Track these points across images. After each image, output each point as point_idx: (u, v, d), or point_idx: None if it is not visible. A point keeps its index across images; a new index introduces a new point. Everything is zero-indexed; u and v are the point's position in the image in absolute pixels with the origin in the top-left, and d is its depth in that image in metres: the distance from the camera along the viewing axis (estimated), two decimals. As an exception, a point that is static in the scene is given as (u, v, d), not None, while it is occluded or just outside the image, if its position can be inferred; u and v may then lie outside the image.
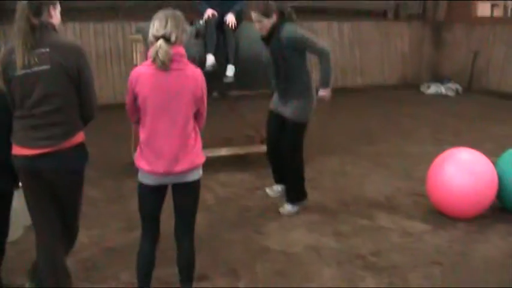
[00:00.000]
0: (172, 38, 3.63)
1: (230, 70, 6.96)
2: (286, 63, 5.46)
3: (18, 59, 3.45)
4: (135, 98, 3.69)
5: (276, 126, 5.79)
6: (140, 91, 3.64)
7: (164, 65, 3.58)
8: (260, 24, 5.40)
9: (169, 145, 3.66)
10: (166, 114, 3.65)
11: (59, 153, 3.59)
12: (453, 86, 13.87)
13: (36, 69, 3.47)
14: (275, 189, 6.21)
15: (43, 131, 3.55)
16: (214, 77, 6.68)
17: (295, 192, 5.86)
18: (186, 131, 3.70)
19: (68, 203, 3.82)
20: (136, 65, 6.77)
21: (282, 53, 5.43)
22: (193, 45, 6.83)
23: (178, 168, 3.68)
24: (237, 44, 7.02)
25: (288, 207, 5.83)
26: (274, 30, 5.41)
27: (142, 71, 3.67)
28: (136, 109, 3.73)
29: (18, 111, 3.58)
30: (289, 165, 5.78)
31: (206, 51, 6.91)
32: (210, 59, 6.85)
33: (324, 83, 5.58)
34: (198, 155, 3.80)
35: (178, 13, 3.75)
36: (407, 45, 15.03)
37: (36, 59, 3.47)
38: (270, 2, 5.45)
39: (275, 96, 5.83)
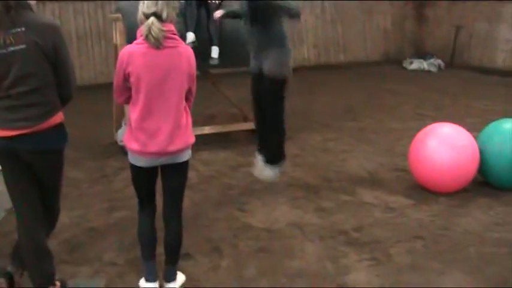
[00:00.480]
0: (164, 15, 3.55)
1: (215, 52, 6.93)
2: (263, 11, 5.32)
3: None
4: (125, 78, 3.62)
5: (256, 86, 5.66)
6: (133, 70, 3.56)
7: (158, 42, 3.51)
8: None
9: (163, 125, 3.61)
10: (160, 92, 3.58)
11: (37, 134, 3.54)
12: (435, 61, 13.90)
13: (12, 49, 3.41)
14: (258, 161, 5.91)
15: (20, 112, 3.49)
16: (196, 54, 6.63)
17: (274, 153, 5.74)
18: (179, 111, 3.65)
19: (48, 184, 3.78)
20: (116, 45, 6.72)
21: (259, 2, 5.30)
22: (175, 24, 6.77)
23: (173, 148, 3.64)
24: (220, 23, 6.97)
25: (266, 171, 5.76)
26: None
27: (134, 49, 3.58)
28: (126, 89, 3.66)
29: None
30: (269, 122, 5.64)
31: (186, 28, 6.85)
32: (190, 36, 6.80)
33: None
34: (190, 135, 3.76)
35: None
36: (390, 22, 15.03)
37: (12, 39, 3.41)
38: None
39: (252, 58, 5.65)
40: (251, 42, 5.59)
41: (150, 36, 3.50)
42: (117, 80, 3.68)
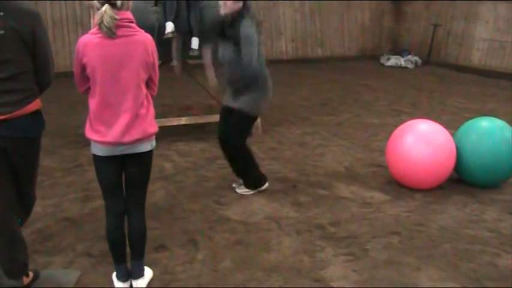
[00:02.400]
0: (118, 3, 3.45)
1: (195, 43, 6.88)
2: (238, 53, 5.13)
3: None
4: (82, 69, 3.54)
5: (224, 118, 5.49)
6: (88, 61, 3.48)
7: (110, 31, 3.41)
8: (223, 4, 5.17)
9: (120, 115, 3.53)
10: (116, 83, 3.51)
11: (14, 121, 3.47)
12: (412, 58, 13.99)
13: None
14: (239, 183, 5.75)
15: None
16: (174, 46, 6.60)
17: (251, 181, 5.63)
18: (137, 100, 3.57)
19: (23, 171, 3.72)
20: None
21: (235, 45, 5.12)
22: (152, 13, 6.70)
23: (130, 138, 3.56)
24: (200, 14, 6.92)
25: (244, 189, 5.66)
26: (236, 21, 5.18)
27: (89, 40, 3.48)
28: (86, 79, 3.58)
29: None
30: (237, 159, 5.54)
31: (165, 19, 6.78)
32: (170, 26, 6.73)
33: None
34: (151, 125, 3.67)
35: None
36: (368, 17, 15.07)
37: None
38: None
39: (226, 91, 5.48)
40: (226, 79, 5.40)
41: (102, 25, 3.40)
42: (76, 70, 3.59)
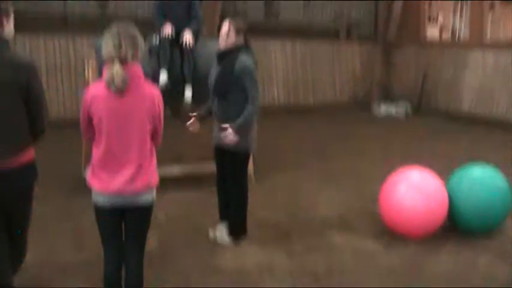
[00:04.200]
0: (129, 58, 3.52)
1: (188, 91, 6.95)
2: (231, 86, 5.24)
3: None
4: (89, 118, 3.59)
5: (220, 158, 5.54)
6: (95, 113, 3.54)
7: (120, 91, 3.48)
8: (226, 36, 5.27)
9: (124, 166, 3.58)
10: (122, 134, 3.56)
11: (7, 171, 3.49)
12: (403, 106, 14.10)
13: None
14: (219, 228, 5.68)
15: None
16: (167, 94, 6.63)
17: (236, 227, 5.58)
18: (142, 153, 3.63)
19: (16, 220, 3.71)
20: (88, 81, 6.69)
21: (230, 76, 5.22)
22: (146, 62, 6.78)
23: (132, 188, 3.61)
24: (194, 63, 7.00)
25: (223, 236, 5.59)
26: (234, 51, 5.30)
27: (97, 92, 3.55)
28: (92, 127, 3.63)
29: None
30: (234, 199, 5.53)
31: (159, 68, 6.86)
32: (163, 76, 6.80)
33: (236, 124, 5.18)
34: (153, 176, 3.73)
35: (132, 28, 3.63)
36: (359, 65, 15.25)
37: None
38: (245, 23, 5.38)
39: (215, 129, 5.50)
40: (215, 113, 5.46)
41: (111, 85, 3.47)
42: (82, 118, 3.65)
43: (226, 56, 5.27)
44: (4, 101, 3.43)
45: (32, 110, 3.58)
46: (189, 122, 5.55)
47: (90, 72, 6.81)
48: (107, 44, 3.55)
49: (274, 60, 13.85)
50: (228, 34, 5.22)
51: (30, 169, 3.64)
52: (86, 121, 3.63)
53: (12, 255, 3.76)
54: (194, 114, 5.54)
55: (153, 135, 3.74)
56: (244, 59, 5.22)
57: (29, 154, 3.62)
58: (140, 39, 3.65)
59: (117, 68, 3.47)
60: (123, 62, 3.50)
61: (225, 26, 5.27)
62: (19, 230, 3.78)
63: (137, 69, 3.59)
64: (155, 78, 6.71)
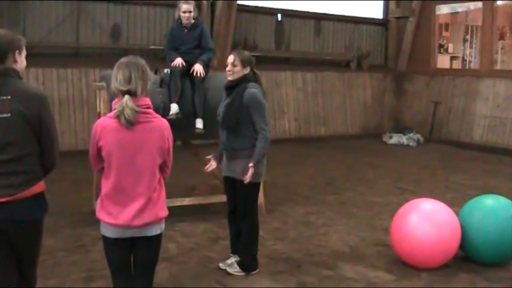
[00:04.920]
0: (138, 92, 3.56)
1: (199, 123, 6.98)
2: (239, 118, 5.25)
3: None
4: (98, 150, 3.61)
5: (231, 189, 5.52)
6: (104, 145, 3.56)
7: (129, 123, 3.50)
8: (232, 69, 5.31)
9: (133, 199, 3.59)
10: (131, 168, 3.57)
11: (17, 203, 3.48)
12: (414, 136, 14.09)
13: None
14: (230, 261, 5.65)
15: (1, 179, 3.45)
16: (178, 125, 6.66)
17: (248, 262, 5.53)
18: (151, 185, 3.64)
19: (25, 253, 3.70)
20: (99, 113, 6.73)
21: (239, 108, 5.25)
22: (157, 94, 6.82)
23: (140, 222, 3.61)
24: (204, 95, 7.04)
25: (234, 269, 5.53)
26: (242, 83, 5.32)
27: (106, 124, 3.58)
28: (100, 160, 3.65)
29: None
30: (244, 231, 5.49)
31: (170, 100, 6.90)
32: (174, 107, 6.84)
33: (254, 157, 5.22)
34: (162, 209, 3.72)
35: (141, 61, 3.66)
36: (370, 96, 15.29)
37: None
38: (250, 55, 5.43)
39: (224, 160, 5.50)
40: (224, 145, 5.47)
41: (122, 118, 3.49)
42: (91, 151, 3.67)
43: (234, 88, 5.30)
44: (16, 133, 3.45)
45: (43, 142, 3.59)
46: (207, 166, 5.56)
47: (101, 104, 6.85)
48: (117, 77, 3.58)
49: (285, 92, 13.90)
50: (233, 66, 5.27)
51: (40, 202, 3.64)
52: (95, 153, 3.65)
53: None
54: (209, 156, 5.56)
55: (162, 167, 3.75)
56: (252, 91, 5.25)
57: (40, 187, 3.62)
58: (149, 72, 3.69)
59: (127, 101, 3.50)
60: (132, 95, 3.53)
61: (230, 59, 5.32)
62: (28, 266, 3.77)
63: (146, 102, 3.62)
64: (166, 110, 6.74)
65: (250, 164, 5.17)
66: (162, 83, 7.02)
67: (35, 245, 3.75)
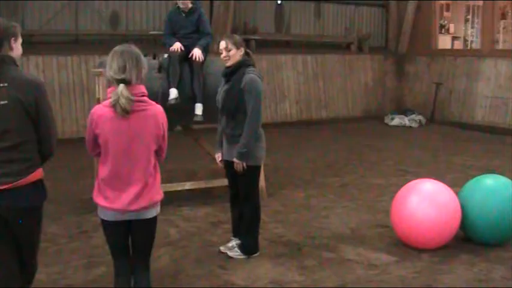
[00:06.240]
0: (133, 80, 3.59)
1: (199, 109, 6.96)
2: (239, 104, 5.23)
3: None
4: (94, 137, 3.65)
5: (231, 173, 5.48)
6: (100, 133, 3.60)
7: (125, 112, 3.54)
8: (227, 54, 5.29)
9: (129, 185, 3.65)
10: (127, 155, 3.63)
11: (15, 191, 3.50)
12: (416, 117, 14.06)
13: None
14: (231, 245, 5.64)
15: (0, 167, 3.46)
16: (177, 111, 6.66)
17: (249, 245, 5.53)
18: (146, 171, 3.69)
19: (25, 240, 3.72)
20: (99, 99, 6.72)
21: (238, 94, 5.23)
22: (156, 79, 6.80)
23: (136, 206, 3.67)
24: (204, 80, 7.02)
25: (235, 253, 5.54)
26: (240, 68, 5.28)
27: (102, 113, 3.61)
28: (97, 146, 3.70)
29: None
30: (245, 215, 5.49)
31: (169, 85, 6.88)
32: (173, 92, 6.82)
33: (240, 141, 5.21)
34: (157, 192, 3.79)
35: (136, 50, 3.68)
36: (371, 78, 15.24)
37: None
38: (240, 37, 5.42)
39: (224, 144, 5.48)
40: (223, 131, 5.48)
41: (117, 106, 3.52)
42: (87, 137, 3.71)
43: (232, 74, 5.29)
44: (13, 120, 3.45)
45: (40, 129, 3.59)
46: (217, 159, 5.62)
47: (101, 90, 6.84)
48: (112, 66, 3.60)
49: (285, 75, 13.87)
50: (228, 51, 5.24)
51: (39, 189, 3.66)
52: (92, 140, 3.69)
53: (21, 276, 3.77)
54: (221, 160, 5.57)
55: (158, 152, 3.80)
56: (251, 76, 5.22)
57: (38, 174, 3.63)
58: (143, 60, 3.72)
59: (122, 90, 3.53)
60: (127, 83, 3.56)
61: (222, 45, 5.29)
62: (28, 253, 3.79)
63: (141, 90, 3.65)
64: (165, 96, 6.73)
65: (237, 162, 5.21)
66: (161, 68, 7.00)
67: (34, 232, 3.76)
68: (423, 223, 5.47)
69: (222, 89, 5.42)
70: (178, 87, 6.90)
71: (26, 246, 3.74)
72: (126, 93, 3.52)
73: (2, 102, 3.41)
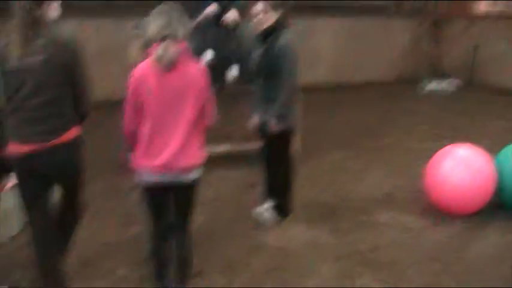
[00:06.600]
0: (179, 35, 3.58)
1: (234, 70, 6.98)
2: (274, 67, 5.19)
3: (15, 50, 3.44)
4: (137, 97, 3.62)
5: (265, 137, 5.51)
6: (144, 91, 3.59)
7: (172, 65, 3.55)
8: (264, 16, 5.24)
9: (170, 144, 3.63)
10: (170, 113, 3.62)
11: (55, 147, 3.57)
12: (453, 81, 13.85)
13: (31, 60, 3.45)
14: (264, 207, 5.66)
15: (37, 124, 3.53)
16: (213, 72, 6.66)
17: (281, 206, 5.59)
18: (189, 130, 3.67)
19: (69, 193, 3.84)
20: (134, 62, 6.76)
21: (273, 56, 5.19)
22: (192, 40, 6.81)
23: (177, 166, 3.67)
24: (239, 41, 7.01)
25: (269, 215, 5.60)
26: (275, 31, 5.22)
27: (145, 71, 3.61)
28: (137, 110, 3.65)
29: (10, 105, 3.54)
30: (278, 177, 5.56)
31: (205, 47, 6.88)
32: (209, 54, 6.83)
33: (275, 106, 5.22)
34: (199, 154, 3.78)
35: (178, 8, 3.67)
36: (407, 41, 15.00)
37: (32, 51, 3.45)
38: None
39: (259, 106, 5.46)
40: (258, 95, 5.46)
41: (163, 59, 3.53)
42: (129, 100, 3.67)
43: (268, 36, 5.25)
44: (50, 76, 3.50)
45: (75, 89, 3.64)
46: (250, 123, 5.62)
47: (136, 53, 6.87)
48: (156, 23, 3.59)
49: (320, 39, 13.73)
50: (265, 13, 5.19)
51: (77, 144, 3.71)
52: (133, 103, 3.65)
53: (69, 217, 3.99)
54: (256, 122, 5.54)
55: (203, 114, 3.78)
56: (286, 39, 5.18)
57: (76, 130, 3.67)
58: (186, 19, 3.71)
59: (168, 44, 3.52)
60: (173, 39, 3.55)
61: (259, 6, 5.22)
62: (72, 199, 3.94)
63: (185, 45, 3.64)
64: (201, 58, 6.74)
65: (272, 113, 5.20)
66: (196, 30, 7.00)
67: (75, 185, 3.87)
68: (457, 188, 5.45)
69: (257, 52, 5.40)
70: (214, 48, 6.91)
71: (69, 195, 3.85)
72: (173, 47, 3.53)
73: (40, 58, 3.46)
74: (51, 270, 3.80)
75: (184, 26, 3.63)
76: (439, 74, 14.51)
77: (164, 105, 3.59)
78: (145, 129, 3.66)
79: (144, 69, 3.63)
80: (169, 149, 3.63)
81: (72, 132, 3.64)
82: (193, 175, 3.78)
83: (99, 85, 10.56)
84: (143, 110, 3.64)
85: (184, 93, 3.61)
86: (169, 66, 3.54)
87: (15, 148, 3.56)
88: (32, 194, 3.70)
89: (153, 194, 3.82)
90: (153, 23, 3.60)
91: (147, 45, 3.80)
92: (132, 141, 3.74)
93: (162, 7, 3.66)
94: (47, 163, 3.59)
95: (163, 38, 3.54)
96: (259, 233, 5.31)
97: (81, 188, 3.94)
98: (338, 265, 4.71)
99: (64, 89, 3.57)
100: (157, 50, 3.55)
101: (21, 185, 3.69)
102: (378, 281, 4.43)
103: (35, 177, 3.63)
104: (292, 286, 4.37)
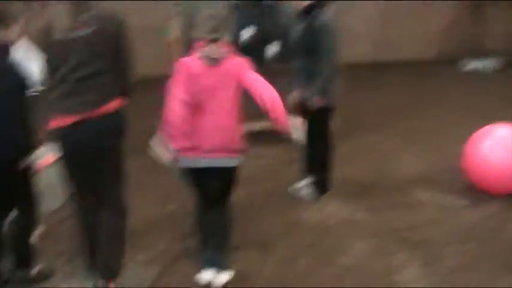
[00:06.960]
0: (224, 38, 3.78)
1: (273, 47, 7.00)
2: (315, 44, 5.18)
3: (63, 22, 3.53)
4: (184, 91, 3.79)
5: (304, 114, 5.34)
6: (189, 82, 3.78)
7: (217, 62, 3.79)
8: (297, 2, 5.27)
9: (212, 132, 3.82)
10: (213, 102, 3.81)
11: (97, 119, 3.65)
12: (494, 62, 13.62)
13: (77, 33, 3.54)
14: (302, 183, 5.74)
15: (81, 96, 3.61)
16: (252, 50, 6.70)
17: (320, 183, 5.63)
18: (231, 120, 3.88)
19: (107, 172, 3.90)
20: (173, 40, 6.84)
21: (313, 33, 5.19)
22: (234, 17, 6.84)
23: (219, 155, 3.86)
24: (280, 18, 7.01)
25: (306, 191, 5.67)
26: (315, 9, 5.20)
27: (190, 62, 3.83)
28: (183, 98, 3.79)
29: (55, 77, 3.62)
30: (317, 154, 5.58)
31: (244, 24, 6.91)
32: (246, 32, 6.86)
33: (314, 86, 5.27)
34: (240, 143, 3.96)
35: (224, 12, 4.06)
36: (447, 19, 14.77)
37: (79, 24, 3.54)
38: None
39: (299, 83, 5.47)
40: (297, 73, 5.48)
41: (208, 60, 3.78)
42: (175, 90, 3.81)
43: (308, 13, 5.26)
44: (94, 49, 3.59)
45: (120, 63, 3.73)
46: (291, 98, 5.56)
47: (175, 32, 6.95)
48: (204, 26, 3.76)
49: (358, 17, 13.61)
50: (297, 2, 5.21)
51: (120, 116, 3.80)
52: (180, 94, 3.78)
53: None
54: (295, 99, 5.51)
55: (255, 87, 3.90)
56: (326, 17, 5.18)
57: (118, 102, 3.75)
58: (228, 18, 4.05)
59: (214, 48, 3.75)
60: (218, 42, 3.75)
61: None
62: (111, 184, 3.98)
63: (227, 45, 3.84)
64: (240, 36, 6.77)
65: (313, 90, 5.25)
66: (236, 8, 7.02)
67: (118, 158, 3.99)
68: (496, 168, 5.41)
69: (297, 29, 5.41)
70: (255, 24, 6.93)
71: (107, 178, 3.93)
72: (218, 50, 3.76)
73: (87, 31, 3.55)
74: (93, 244, 3.90)
75: (227, 29, 3.85)
76: (479, 54, 14.28)
77: (207, 95, 3.80)
78: (190, 117, 3.83)
79: (189, 62, 3.85)
80: (210, 139, 3.83)
81: (116, 103, 3.72)
82: (233, 161, 3.96)
83: (137, 62, 10.58)
84: (189, 100, 3.81)
85: (225, 85, 3.82)
86: (215, 63, 3.78)
87: (58, 121, 3.63)
88: (75, 168, 3.79)
89: (195, 177, 4.02)
90: (202, 26, 3.77)
91: (189, 33, 3.96)
92: (176, 130, 3.86)
93: (210, 11, 3.86)
94: (91, 133, 3.65)
95: (208, 41, 3.74)
96: (296, 210, 5.36)
97: (123, 159, 4.00)
98: (374, 242, 4.74)
99: (109, 61, 3.65)
100: (205, 49, 3.77)
101: (65, 159, 3.78)
102: (413, 260, 4.45)
103: (78, 151, 3.71)
104: (327, 262, 4.42)
